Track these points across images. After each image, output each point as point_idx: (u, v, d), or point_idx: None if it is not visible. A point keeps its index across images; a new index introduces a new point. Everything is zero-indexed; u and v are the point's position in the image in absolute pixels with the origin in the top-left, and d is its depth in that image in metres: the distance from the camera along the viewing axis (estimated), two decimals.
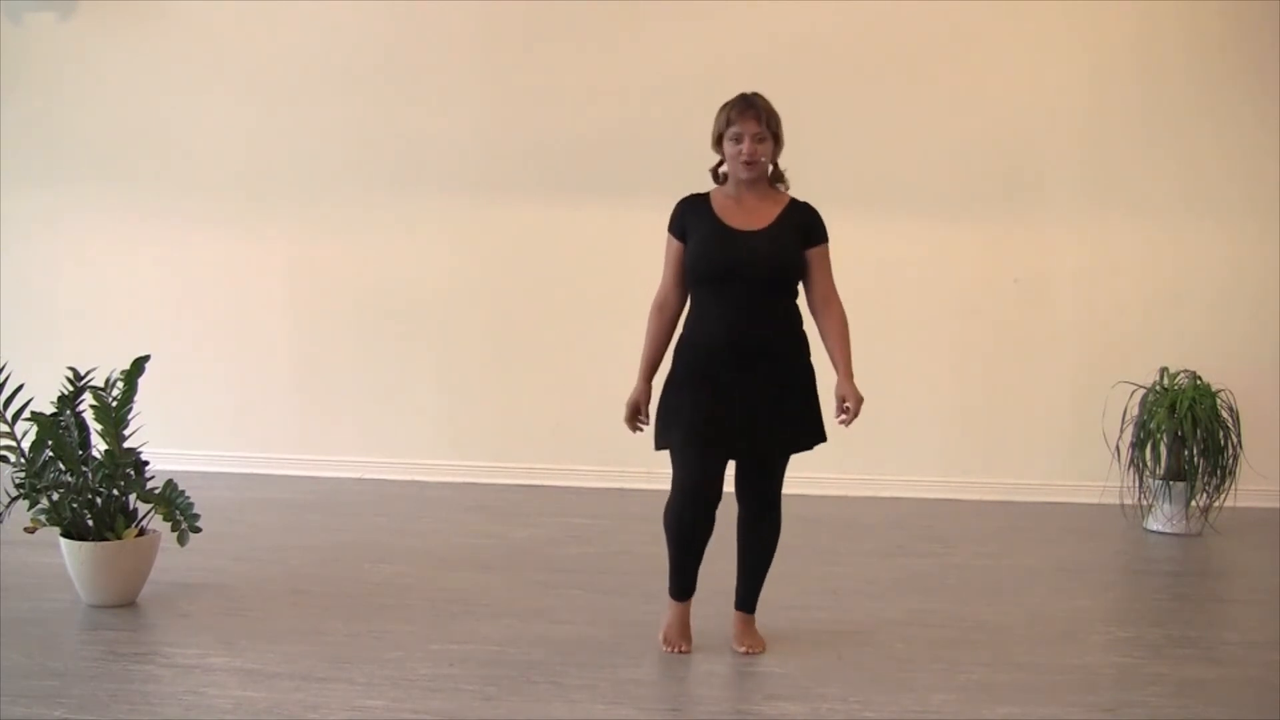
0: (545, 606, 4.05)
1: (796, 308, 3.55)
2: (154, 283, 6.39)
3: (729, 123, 3.47)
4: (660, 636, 3.64)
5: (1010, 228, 5.96)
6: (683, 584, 3.62)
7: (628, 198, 5.89)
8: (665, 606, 3.66)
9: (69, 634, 3.72)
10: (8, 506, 3.88)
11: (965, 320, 6.01)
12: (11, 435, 3.92)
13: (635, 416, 3.59)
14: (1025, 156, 5.92)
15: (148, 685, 3.32)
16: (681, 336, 3.57)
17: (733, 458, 3.52)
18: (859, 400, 3.55)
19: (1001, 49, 5.93)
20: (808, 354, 3.57)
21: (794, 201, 3.55)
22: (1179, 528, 5.32)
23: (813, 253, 3.53)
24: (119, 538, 3.96)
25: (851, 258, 5.97)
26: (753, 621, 3.68)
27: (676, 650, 3.59)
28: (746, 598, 3.67)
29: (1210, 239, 5.87)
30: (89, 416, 4.01)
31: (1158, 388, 5.44)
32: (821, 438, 3.59)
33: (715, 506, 3.49)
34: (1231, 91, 5.81)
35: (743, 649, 3.60)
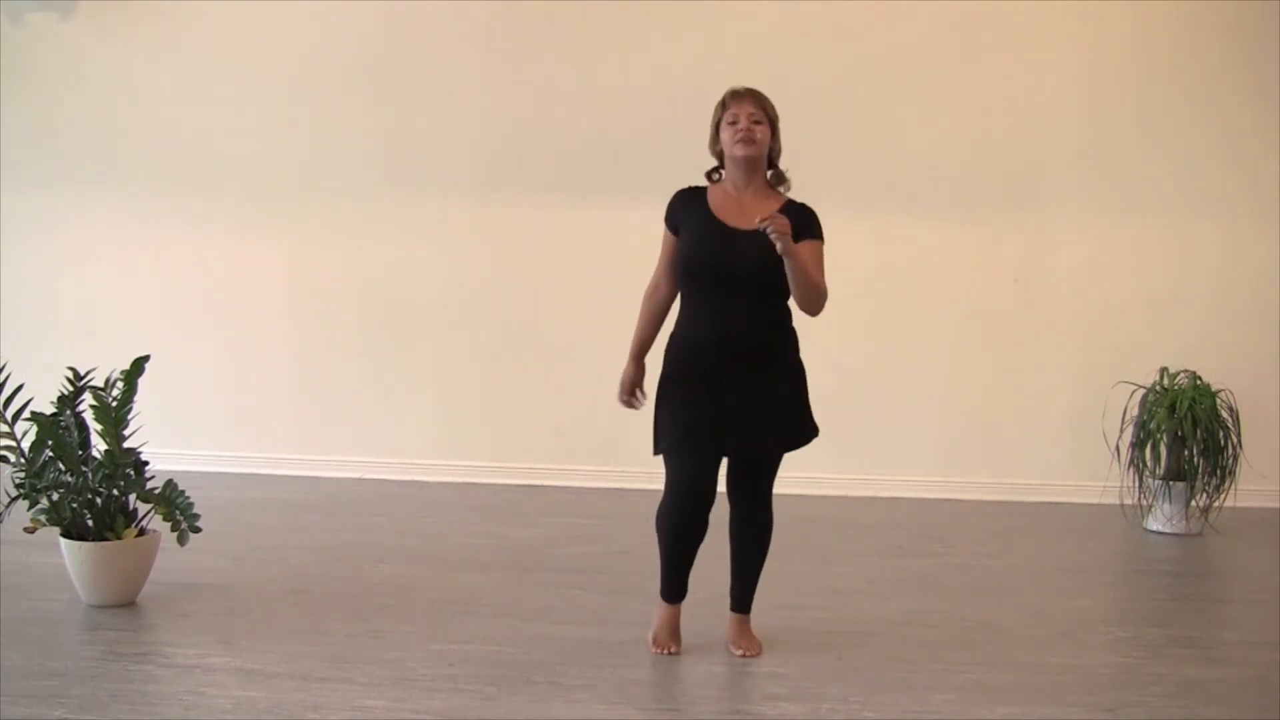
0: (545, 606, 4.05)
1: (788, 309, 3.51)
2: (154, 283, 6.39)
3: (725, 107, 3.47)
4: (650, 638, 3.64)
5: (1010, 228, 5.96)
6: (675, 586, 3.61)
7: (628, 198, 5.89)
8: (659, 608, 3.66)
9: (69, 634, 3.72)
10: (8, 506, 3.88)
11: (965, 320, 6.02)
12: (11, 435, 3.92)
13: (631, 392, 3.59)
14: (1025, 156, 5.93)
15: (148, 685, 3.32)
16: (673, 334, 3.54)
17: (725, 455, 3.50)
18: (783, 230, 3.22)
19: (1001, 49, 5.93)
20: (797, 351, 3.54)
21: (790, 202, 3.51)
22: (1179, 528, 5.32)
23: (804, 244, 3.41)
24: (119, 538, 3.96)
25: (852, 258, 6.01)
26: (749, 623, 3.67)
27: (666, 651, 3.59)
28: (742, 599, 3.65)
29: (1210, 239, 5.88)
30: (89, 416, 4.01)
31: (1158, 388, 5.44)
32: (812, 433, 3.55)
33: (709, 507, 3.48)
34: (1230, 91, 5.81)
35: (739, 652, 3.59)
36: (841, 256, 6.17)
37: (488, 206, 6.17)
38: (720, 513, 3.55)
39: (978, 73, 5.93)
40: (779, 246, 3.22)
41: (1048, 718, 3.18)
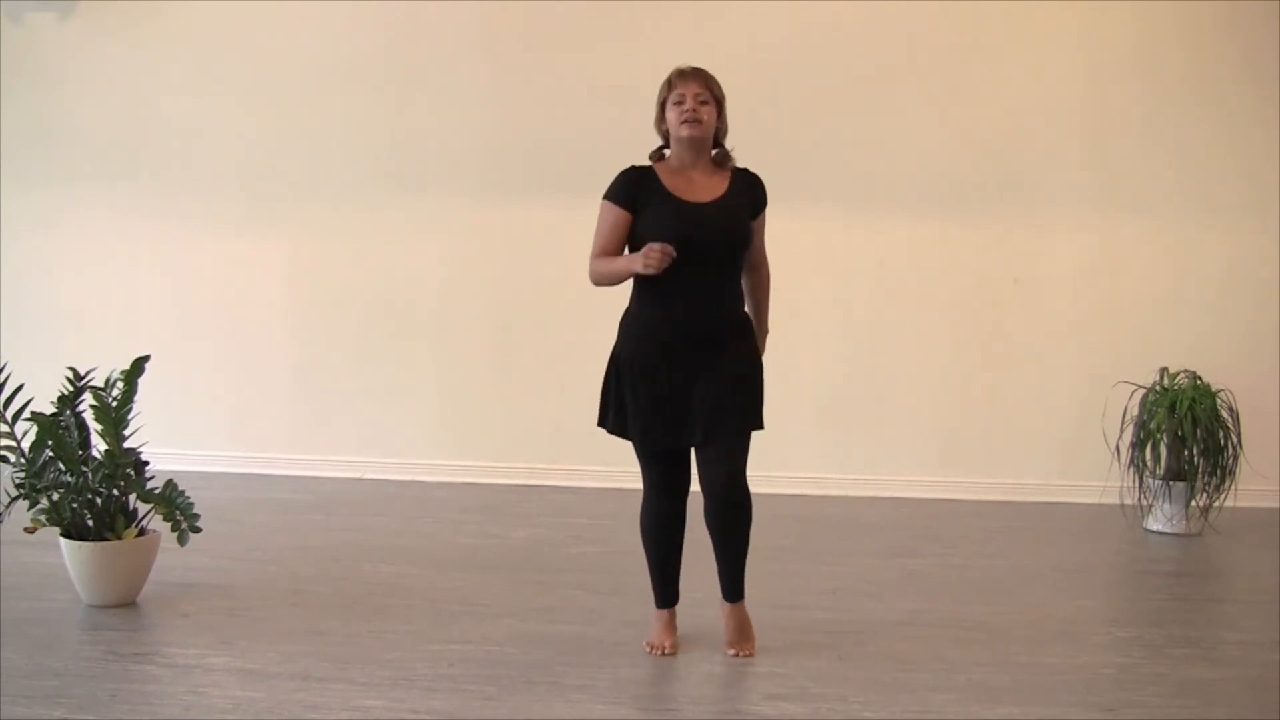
0: (545, 606, 4.05)
1: (739, 289, 3.54)
2: (154, 283, 6.39)
3: (671, 87, 3.48)
4: (645, 645, 3.63)
5: (1010, 228, 5.96)
6: (664, 589, 3.62)
7: None
8: None
9: (69, 634, 3.72)
10: (8, 506, 3.88)
11: (965, 320, 6.01)
12: (11, 435, 3.92)
13: (661, 252, 3.26)
14: (1025, 156, 5.92)
15: (148, 685, 3.32)
16: (629, 313, 3.50)
17: (688, 444, 3.49)
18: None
19: (1001, 49, 5.93)
20: (754, 336, 3.56)
21: (738, 170, 3.54)
22: (1179, 528, 5.32)
23: (757, 221, 3.54)
24: (119, 538, 3.97)
25: (851, 258, 6.05)
26: (743, 612, 3.59)
27: (660, 651, 3.58)
28: (727, 587, 3.58)
29: (1210, 239, 5.87)
30: (89, 416, 4.01)
31: (1158, 388, 5.44)
32: (757, 424, 3.51)
33: (683, 500, 3.55)
34: (1231, 91, 5.81)
35: (732, 652, 3.57)
36: (842, 256, 6.20)
37: (488, 206, 6.17)
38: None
39: (978, 72, 5.93)
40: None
41: (1048, 718, 3.18)
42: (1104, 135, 5.89)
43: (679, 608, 3.68)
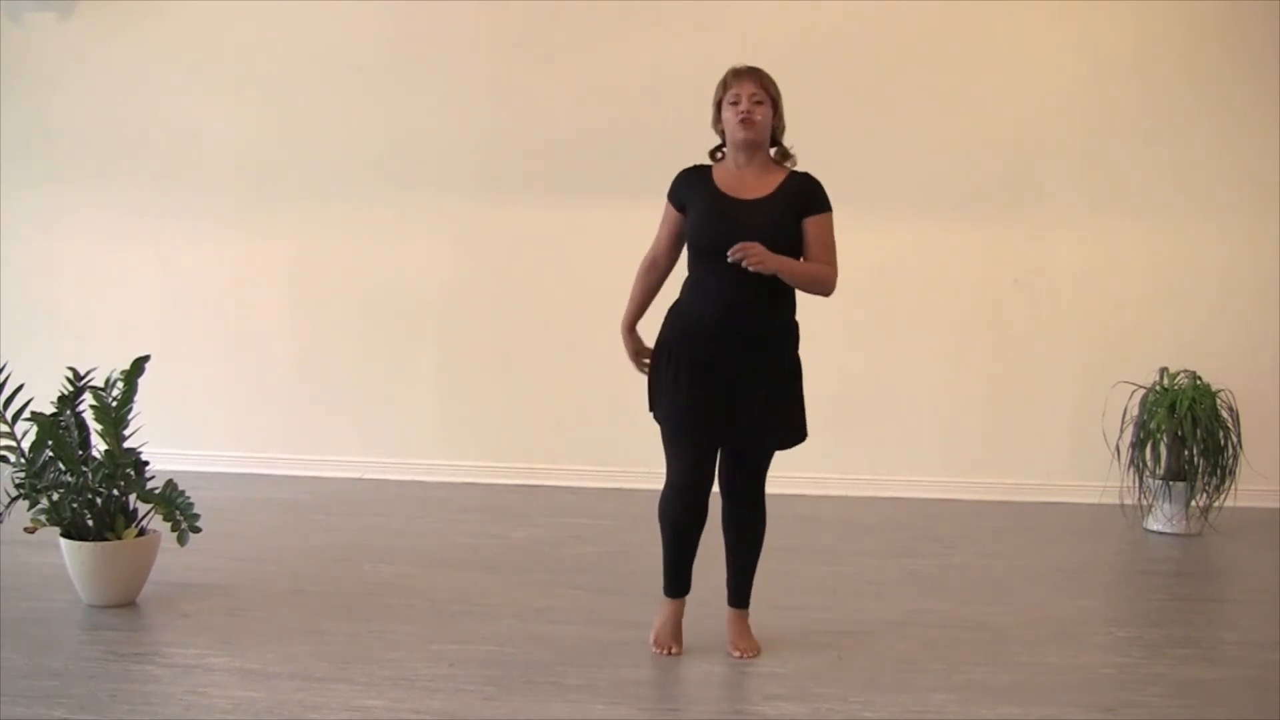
0: (545, 606, 4.05)
1: (793, 295, 3.49)
2: (154, 283, 6.39)
3: (726, 87, 3.48)
4: (651, 638, 3.63)
5: (1010, 228, 5.96)
6: (677, 579, 3.60)
7: (628, 198, 5.87)
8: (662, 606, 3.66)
9: (69, 634, 3.72)
10: (8, 506, 3.88)
11: (965, 320, 6.02)
12: (11, 435, 3.92)
13: (639, 360, 3.61)
14: (1025, 156, 5.93)
15: (148, 685, 3.32)
16: (675, 303, 3.52)
17: (720, 445, 3.50)
18: (759, 253, 3.25)
19: (1001, 49, 5.93)
20: (797, 345, 3.53)
21: (794, 172, 3.52)
22: (1179, 528, 5.32)
23: (810, 221, 3.43)
24: (119, 538, 3.97)
25: (851, 258, 5.93)
26: (746, 618, 3.65)
27: (667, 652, 3.59)
28: (737, 592, 3.64)
29: (1210, 239, 5.87)
30: (89, 417, 4.01)
31: (1158, 388, 5.44)
32: (801, 437, 3.56)
33: (706, 495, 3.50)
34: (1231, 91, 5.81)
35: (736, 653, 3.58)
36: (841, 256, 6.15)
37: (488, 206, 6.17)
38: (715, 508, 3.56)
39: (978, 73, 5.93)
40: (766, 269, 3.27)
41: (1048, 718, 3.18)
42: (1104, 135, 5.89)
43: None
